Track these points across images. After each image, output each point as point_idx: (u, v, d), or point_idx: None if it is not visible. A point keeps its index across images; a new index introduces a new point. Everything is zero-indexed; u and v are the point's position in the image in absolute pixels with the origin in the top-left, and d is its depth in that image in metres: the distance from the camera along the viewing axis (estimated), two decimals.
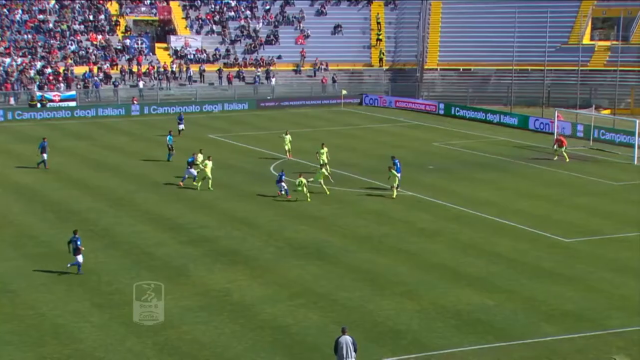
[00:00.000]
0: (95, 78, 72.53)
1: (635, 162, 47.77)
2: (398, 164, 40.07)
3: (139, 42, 78.74)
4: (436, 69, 78.85)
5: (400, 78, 79.28)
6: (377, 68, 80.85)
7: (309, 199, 38.03)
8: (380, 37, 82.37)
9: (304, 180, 37.84)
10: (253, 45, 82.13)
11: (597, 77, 72.18)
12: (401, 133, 59.24)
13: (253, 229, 33.80)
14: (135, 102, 68.75)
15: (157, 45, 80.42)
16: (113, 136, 57.03)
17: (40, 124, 62.18)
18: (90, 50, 76.56)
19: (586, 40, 75.91)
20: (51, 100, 67.29)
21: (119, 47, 78.06)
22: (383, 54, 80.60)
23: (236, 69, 78.92)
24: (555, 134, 52.62)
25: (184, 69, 77.03)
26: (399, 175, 39.32)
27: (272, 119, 66.26)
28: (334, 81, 78.04)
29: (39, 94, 67.49)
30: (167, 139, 48.26)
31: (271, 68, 79.29)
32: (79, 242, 28.08)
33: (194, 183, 40.41)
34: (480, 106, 68.14)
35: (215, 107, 69.52)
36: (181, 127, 56.41)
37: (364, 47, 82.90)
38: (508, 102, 68.66)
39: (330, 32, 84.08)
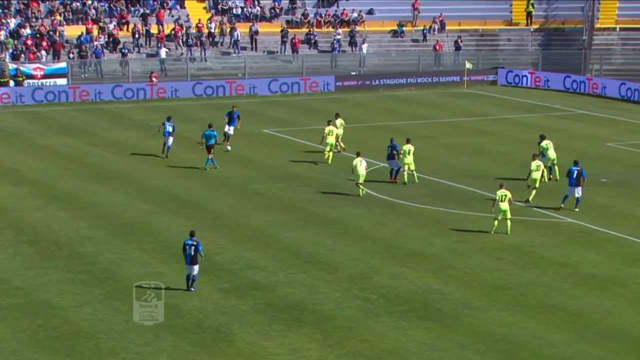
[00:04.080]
0: (96, 43, 74.17)
1: None
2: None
3: None
4: (614, 29, 77.77)
5: (556, 43, 78.58)
6: (521, 28, 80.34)
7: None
8: None
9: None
10: None
11: None
12: (558, 128, 58.60)
13: (328, 272, 33.86)
14: (154, 79, 70.00)
15: None
16: (121, 131, 58.12)
17: (12, 110, 63.81)
18: (89, 3, 78.34)
19: None
20: (31, 77, 68.83)
21: None
22: (531, 6, 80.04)
23: (305, 29, 79.59)
24: None
25: (228, 31, 78.10)
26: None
27: (359, 104, 66.36)
28: (456, 48, 77.77)
29: (12, 66, 69.09)
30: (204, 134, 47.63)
31: (358, 29, 79.65)
32: (200, 249, 31.37)
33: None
34: None
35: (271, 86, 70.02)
36: (228, 130, 52.21)
37: None
38: None
39: None
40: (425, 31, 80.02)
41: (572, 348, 27.77)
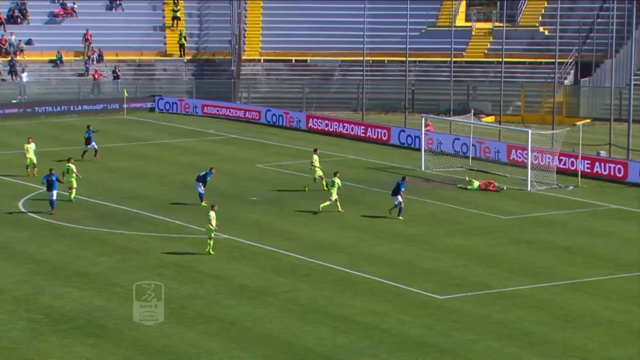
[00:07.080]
0: None
1: (529, 189, 50.28)
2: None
3: None
4: (259, 60, 79.94)
5: (208, 73, 79.72)
6: (175, 59, 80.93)
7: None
8: (179, 14, 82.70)
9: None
10: None
11: (476, 71, 75.78)
12: (211, 151, 59.56)
13: None
14: None
15: None
16: None
17: None
18: None
19: (460, 22, 79.59)
20: None
21: None
22: (183, 39, 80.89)
23: None
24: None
25: None
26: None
27: (22, 132, 64.63)
28: (115, 77, 77.36)
29: None
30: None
31: (17, 58, 77.56)
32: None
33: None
34: (321, 112, 69.64)
35: None
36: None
37: (154, 29, 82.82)
38: (359, 106, 70.64)
39: (106, 6, 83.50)
40: (85, 61, 79.00)
41: (228, 354, 28.31)
